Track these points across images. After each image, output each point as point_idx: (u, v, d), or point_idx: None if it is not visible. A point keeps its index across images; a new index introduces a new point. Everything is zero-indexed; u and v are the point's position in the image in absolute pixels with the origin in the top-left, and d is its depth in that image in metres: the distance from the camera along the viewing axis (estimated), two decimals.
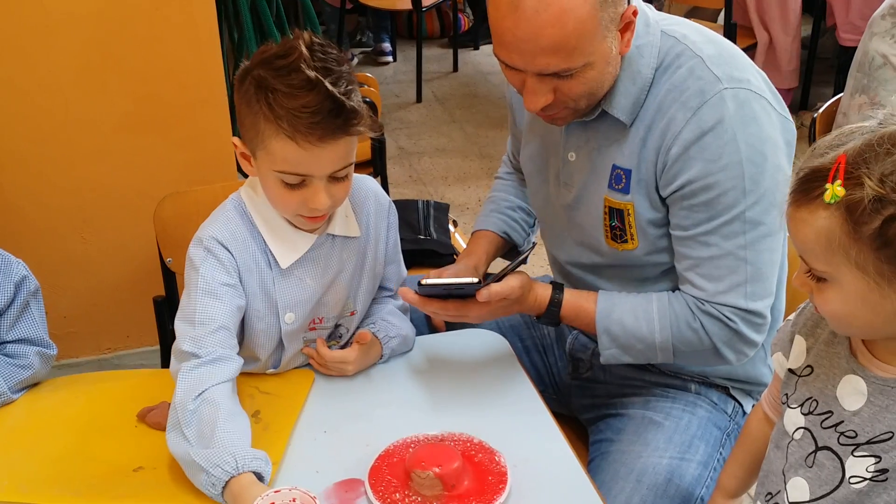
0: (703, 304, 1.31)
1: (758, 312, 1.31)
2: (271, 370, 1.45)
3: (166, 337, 1.84)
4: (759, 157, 1.25)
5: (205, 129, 2.21)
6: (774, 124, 1.29)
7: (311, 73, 1.21)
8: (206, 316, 1.30)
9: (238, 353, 1.33)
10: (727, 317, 1.30)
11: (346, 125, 1.24)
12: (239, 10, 2.21)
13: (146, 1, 2.07)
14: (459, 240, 2.41)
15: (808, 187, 0.93)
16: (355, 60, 4.97)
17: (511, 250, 1.69)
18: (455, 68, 4.99)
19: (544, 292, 1.39)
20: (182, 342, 1.29)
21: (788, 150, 1.32)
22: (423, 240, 2.30)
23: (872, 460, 0.98)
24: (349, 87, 1.24)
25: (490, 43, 4.76)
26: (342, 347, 1.47)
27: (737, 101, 1.25)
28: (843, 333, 1.04)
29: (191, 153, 2.23)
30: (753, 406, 1.50)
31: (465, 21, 5.29)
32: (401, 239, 2.26)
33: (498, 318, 1.57)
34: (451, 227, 2.43)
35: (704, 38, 1.32)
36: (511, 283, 1.34)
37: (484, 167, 3.91)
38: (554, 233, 1.53)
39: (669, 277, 1.39)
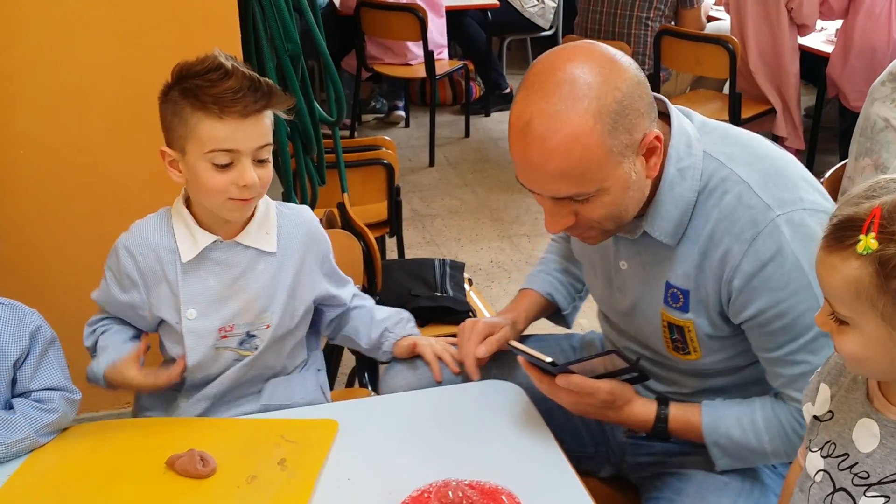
0: None
1: None
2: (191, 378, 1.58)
3: None
4: None
5: None
6: None
7: (228, 64, 1.41)
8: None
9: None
10: None
11: (264, 99, 1.41)
12: (265, 73, 2.29)
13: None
14: (475, 298, 2.44)
15: (841, 235, 0.96)
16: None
17: (556, 313, 1.69)
18: (467, 134, 5.09)
19: (648, 409, 1.38)
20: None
21: None
22: (440, 297, 2.34)
23: (882, 500, 1.01)
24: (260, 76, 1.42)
25: (501, 110, 4.91)
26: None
27: (791, 225, 1.24)
28: (858, 374, 1.08)
29: None
30: None
31: (477, 89, 5.41)
32: (417, 296, 2.34)
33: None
34: (466, 285, 2.47)
35: (749, 159, 1.30)
36: (601, 385, 1.33)
37: (496, 229, 3.96)
38: (612, 327, 1.53)
39: (734, 373, 1.40)
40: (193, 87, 1.41)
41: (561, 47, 1.26)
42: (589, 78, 1.19)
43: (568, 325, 1.76)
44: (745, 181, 1.27)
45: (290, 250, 1.58)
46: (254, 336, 1.57)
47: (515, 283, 3.49)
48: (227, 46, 2.16)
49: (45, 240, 2.23)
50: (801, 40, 4.10)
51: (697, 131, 1.33)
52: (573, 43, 1.27)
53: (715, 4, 4.87)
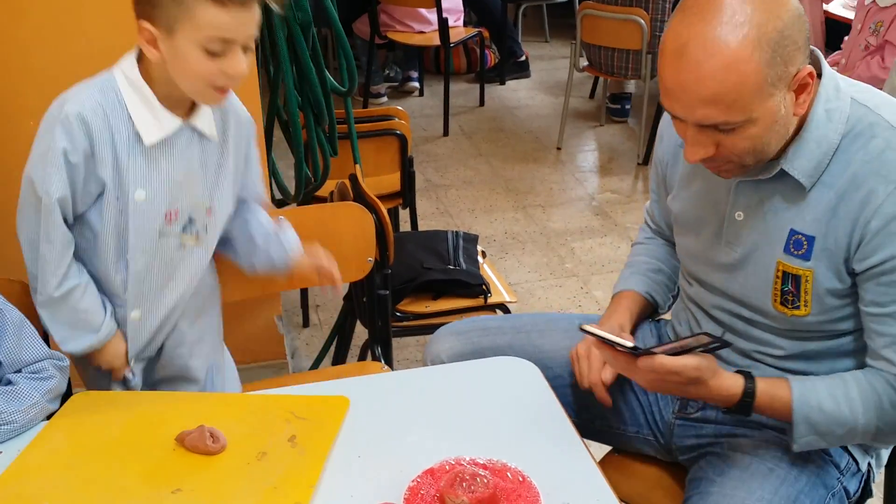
0: None
1: None
2: (125, 286, 1.54)
3: None
4: None
5: None
6: None
7: None
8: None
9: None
10: None
11: None
12: (276, 42, 2.26)
13: None
14: (488, 270, 2.43)
15: None
16: (384, 98, 5.03)
17: (654, 312, 1.64)
18: (482, 103, 5.04)
19: (734, 382, 1.33)
20: None
21: None
22: (453, 270, 2.33)
23: None
24: None
25: (516, 78, 4.84)
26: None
27: None
28: None
29: None
30: (869, 463, 1.46)
31: (492, 57, 5.34)
32: (430, 269, 2.32)
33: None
34: (479, 258, 2.45)
35: None
36: (688, 362, 1.27)
37: (510, 200, 3.93)
38: (703, 285, 1.49)
39: (833, 338, 1.37)
40: None
41: None
42: (751, 5, 1.17)
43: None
44: (894, 128, 1.26)
45: (224, 135, 1.58)
46: (193, 221, 1.56)
47: (529, 255, 3.47)
48: None
49: None
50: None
51: (845, 82, 1.33)
52: None
53: None
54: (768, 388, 1.33)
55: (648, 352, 1.29)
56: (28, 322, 1.47)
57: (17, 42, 2.07)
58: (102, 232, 1.50)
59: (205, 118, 1.53)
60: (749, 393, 1.32)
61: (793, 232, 1.32)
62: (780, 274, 1.34)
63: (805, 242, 1.31)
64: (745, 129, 1.22)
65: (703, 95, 1.19)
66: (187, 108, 1.51)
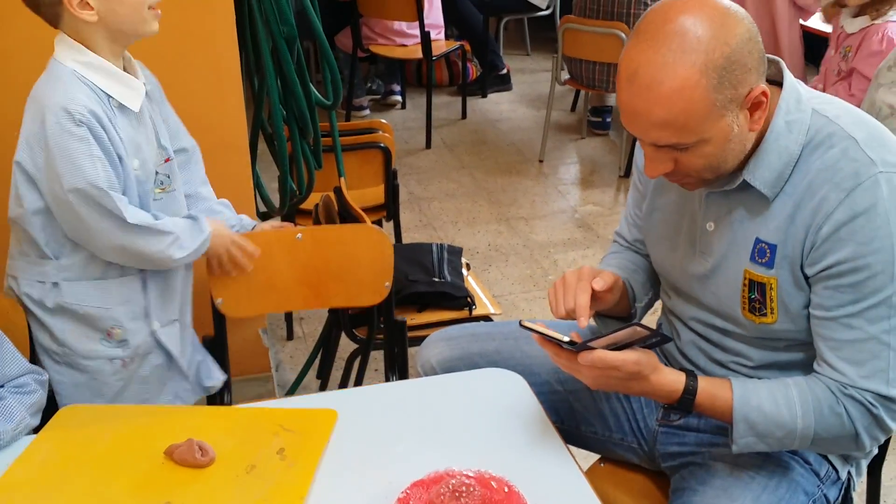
0: (845, 388, 1.29)
1: None
2: None
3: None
4: None
5: (227, 172, 2.24)
6: None
7: None
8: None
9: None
10: (870, 402, 1.28)
11: None
12: (261, 55, 2.27)
13: (172, 48, 2.13)
14: (473, 283, 2.43)
15: None
16: (367, 111, 5.04)
17: (629, 304, 1.61)
18: (464, 115, 5.06)
19: (676, 379, 1.34)
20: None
21: None
22: (438, 282, 2.33)
23: None
24: None
25: (498, 91, 4.86)
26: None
27: (890, 185, 1.25)
28: None
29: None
30: (849, 472, 1.46)
31: (474, 70, 5.37)
32: (415, 281, 2.33)
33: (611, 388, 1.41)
34: (464, 270, 2.46)
35: (856, 120, 1.32)
36: (627, 356, 1.29)
37: (493, 212, 3.95)
38: (680, 296, 1.51)
39: (803, 349, 1.38)
40: None
41: None
42: (699, 31, 1.20)
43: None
44: (852, 137, 1.29)
45: (144, 81, 1.66)
46: (159, 173, 1.69)
47: (513, 267, 3.48)
48: (222, 28, 2.15)
49: None
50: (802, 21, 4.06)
51: (807, 93, 1.35)
52: None
53: None
54: (710, 386, 1.36)
55: (586, 346, 1.30)
56: (6, 338, 1.48)
57: (1, 54, 2.06)
58: (131, 201, 1.61)
59: (138, 74, 1.64)
60: (690, 390, 1.34)
61: (758, 241, 1.35)
62: (746, 282, 1.37)
63: (768, 251, 1.34)
64: (698, 149, 1.26)
65: (654, 120, 1.23)
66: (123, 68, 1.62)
